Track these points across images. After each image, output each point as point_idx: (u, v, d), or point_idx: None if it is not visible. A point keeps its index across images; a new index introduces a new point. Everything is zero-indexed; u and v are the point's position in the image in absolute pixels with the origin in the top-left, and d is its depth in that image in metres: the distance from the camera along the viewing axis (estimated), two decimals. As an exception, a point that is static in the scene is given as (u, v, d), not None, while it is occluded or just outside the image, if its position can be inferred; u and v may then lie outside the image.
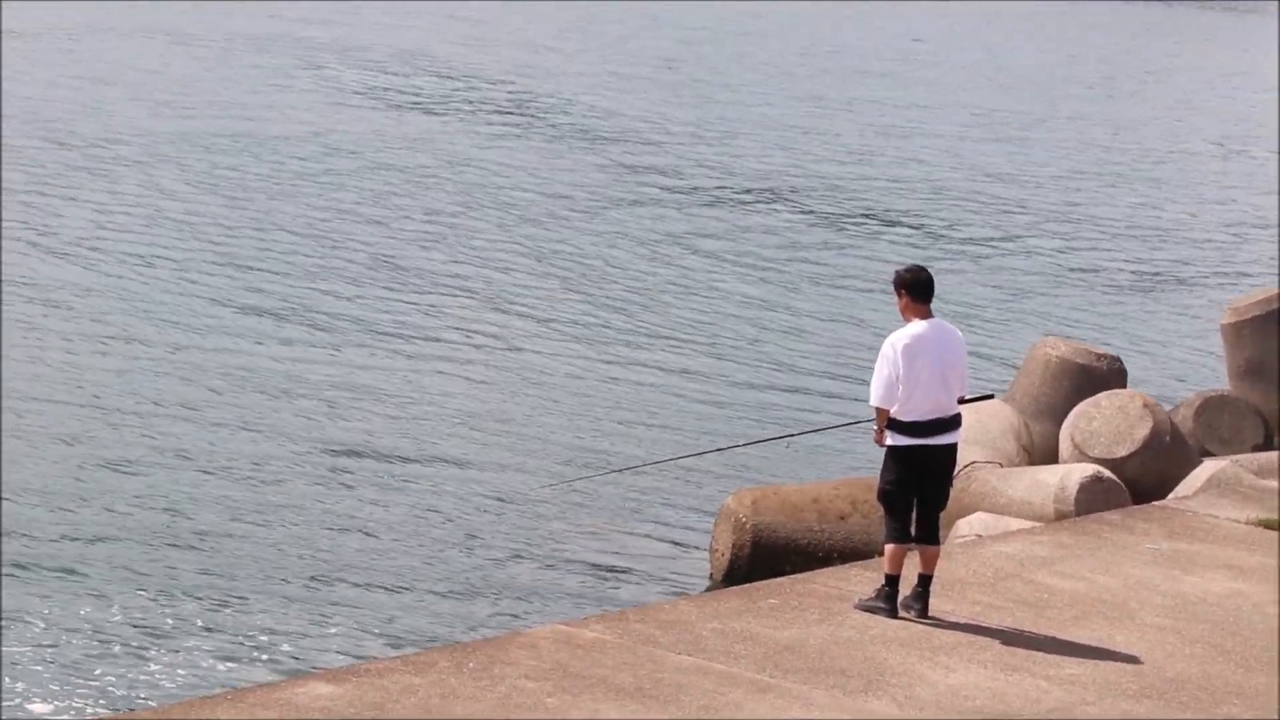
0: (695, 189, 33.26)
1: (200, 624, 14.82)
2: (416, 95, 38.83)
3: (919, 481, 12.24)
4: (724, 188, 33.49)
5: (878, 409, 12.21)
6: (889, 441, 12.25)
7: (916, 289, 12.21)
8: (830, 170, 35.70)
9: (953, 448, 12.33)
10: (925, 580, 12.41)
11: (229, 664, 14.17)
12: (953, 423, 12.25)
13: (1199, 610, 13.17)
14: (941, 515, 12.50)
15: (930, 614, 12.37)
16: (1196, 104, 45.38)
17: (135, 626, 14.66)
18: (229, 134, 33.73)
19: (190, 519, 16.92)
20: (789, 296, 27.08)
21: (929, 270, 12.37)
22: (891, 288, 12.43)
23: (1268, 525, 15.17)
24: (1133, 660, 12.09)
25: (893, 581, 12.33)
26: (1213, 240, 33.95)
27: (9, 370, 20.38)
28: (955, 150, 39.19)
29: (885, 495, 12.34)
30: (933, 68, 43.47)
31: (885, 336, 12.32)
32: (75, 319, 22.69)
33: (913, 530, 12.33)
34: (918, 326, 12.17)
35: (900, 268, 12.44)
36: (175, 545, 16.32)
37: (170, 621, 14.80)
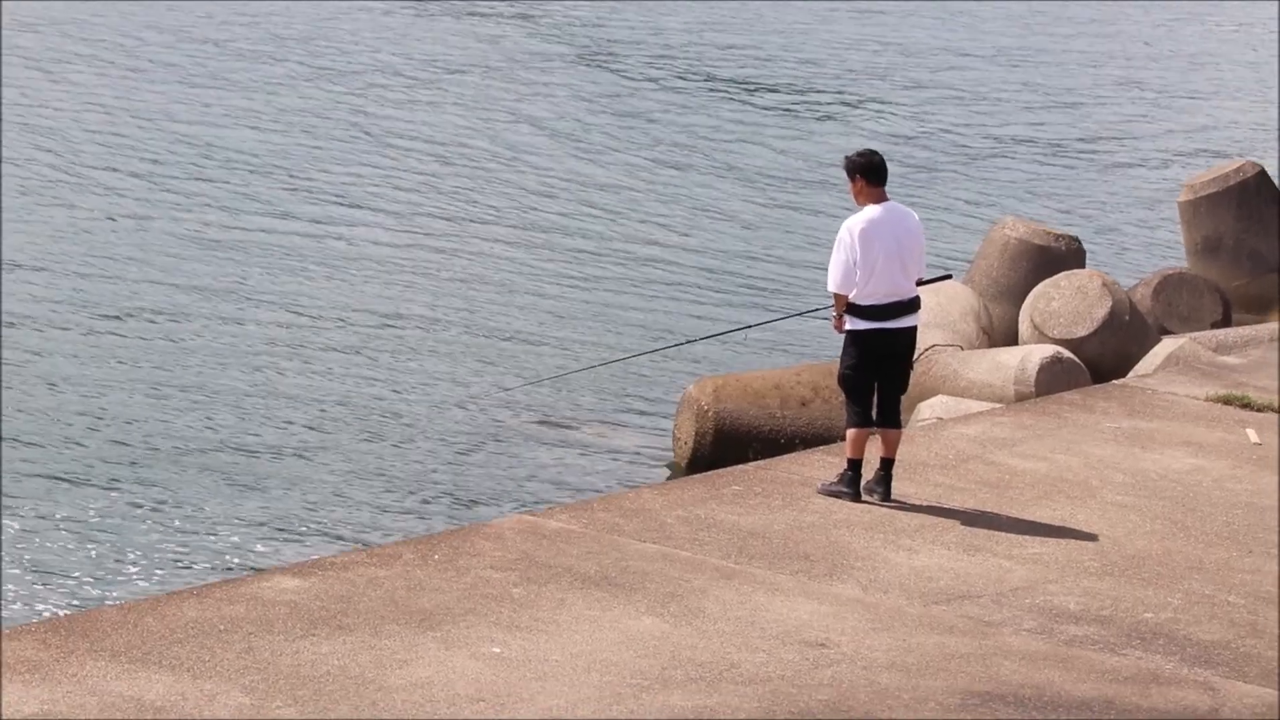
0: (635, 80, 33.11)
1: (163, 522, 14.83)
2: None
3: (879, 365, 12.27)
4: (665, 77, 33.37)
5: (836, 295, 12.22)
6: (848, 326, 12.27)
7: (870, 172, 12.19)
8: (770, 56, 35.57)
9: (912, 330, 12.36)
10: (887, 464, 12.46)
11: (194, 561, 14.20)
12: (911, 305, 12.27)
13: (1159, 487, 13.27)
14: (903, 399, 12.54)
15: (893, 497, 12.43)
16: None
17: (98, 526, 14.67)
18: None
19: (151, 419, 16.89)
20: (738, 188, 27.02)
21: (881, 154, 12.34)
22: (844, 173, 12.41)
23: (1226, 401, 15.26)
24: (1094, 538, 12.18)
25: (855, 466, 12.38)
26: (1170, 117, 33.96)
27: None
28: (907, 32, 39.06)
29: (846, 380, 12.37)
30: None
31: (839, 223, 12.32)
32: (33, 239, 22.54)
33: (874, 414, 12.37)
34: (873, 210, 12.17)
35: (852, 152, 12.41)
36: (135, 445, 16.29)
37: (134, 519, 14.81)
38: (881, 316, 12.18)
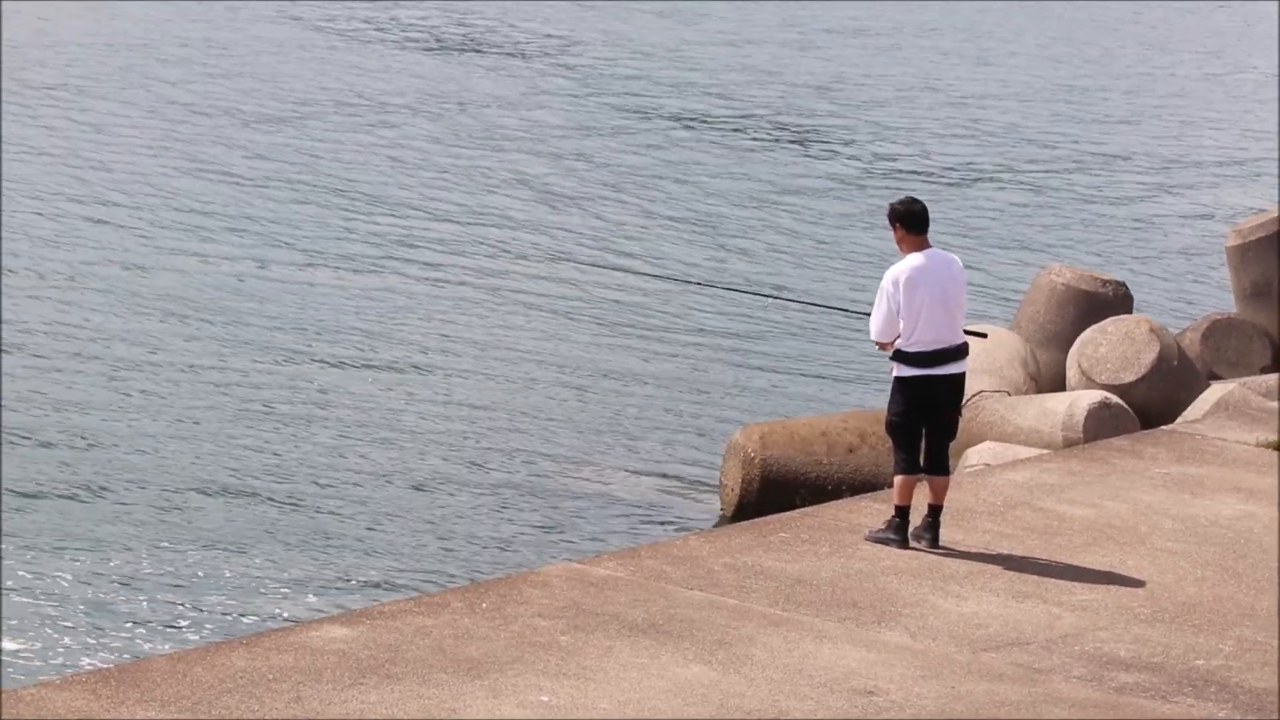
0: (687, 119, 33.20)
1: (212, 571, 14.87)
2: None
3: (926, 412, 12.25)
4: (714, 118, 33.45)
5: (879, 344, 12.25)
6: (895, 373, 12.26)
7: (911, 221, 12.20)
8: (817, 106, 35.64)
9: (960, 377, 12.34)
10: (935, 510, 12.42)
11: (242, 610, 14.22)
12: (958, 352, 12.26)
13: (1209, 533, 13.19)
14: (950, 445, 12.52)
15: (941, 544, 12.39)
16: (1188, 26, 45.28)
17: (148, 576, 14.71)
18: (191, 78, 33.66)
19: (198, 470, 16.95)
20: (768, 222, 27.01)
21: (922, 202, 12.35)
22: (887, 222, 12.42)
23: (1276, 447, 15.17)
24: (1143, 584, 12.12)
25: (903, 513, 12.35)
26: (1216, 163, 33.87)
27: None
28: (949, 83, 39.09)
29: (893, 426, 12.35)
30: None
31: (882, 265, 12.33)
32: (57, 261, 22.67)
33: (922, 461, 12.35)
34: (915, 258, 12.18)
35: (894, 200, 12.43)
36: (183, 496, 16.35)
37: (182, 569, 14.85)
38: (929, 363, 12.17)
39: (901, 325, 12.10)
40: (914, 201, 12.32)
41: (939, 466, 12.37)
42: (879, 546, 12.33)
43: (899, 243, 12.29)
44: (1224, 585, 12.25)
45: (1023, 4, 44.95)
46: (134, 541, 15.27)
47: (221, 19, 38.00)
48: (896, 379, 12.28)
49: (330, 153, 29.18)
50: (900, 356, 12.20)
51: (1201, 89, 40.81)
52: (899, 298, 12.07)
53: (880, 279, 12.27)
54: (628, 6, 41.48)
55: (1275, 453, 15.06)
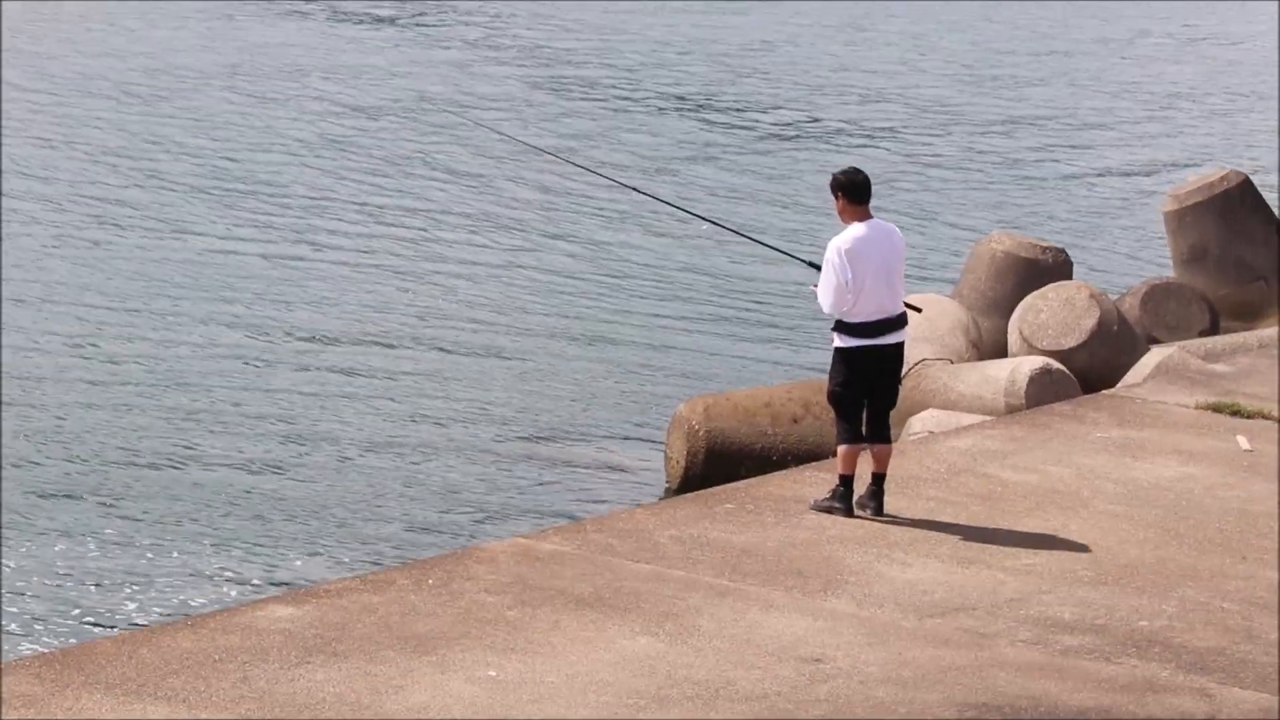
0: (596, 99, 33.17)
1: (156, 554, 14.81)
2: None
3: (869, 382, 12.30)
4: (648, 98, 33.44)
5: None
6: (837, 344, 12.30)
7: (853, 191, 12.23)
8: (753, 78, 35.64)
9: (901, 346, 12.39)
10: (879, 479, 12.47)
11: (188, 591, 14.18)
12: (899, 321, 12.31)
13: (1150, 496, 13.28)
14: (892, 413, 12.57)
15: (885, 512, 12.44)
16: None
17: (92, 558, 14.65)
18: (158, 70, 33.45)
19: (140, 449, 16.87)
20: (722, 204, 27.04)
21: (865, 172, 12.38)
22: (829, 191, 12.43)
23: (1216, 409, 15.28)
24: (1087, 548, 12.20)
25: (847, 481, 12.40)
26: (1153, 129, 34.04)
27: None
28: (880, 50, 39.16)
29: (835, 397, 12.39)
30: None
31: (820, 239, 12.36)
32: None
33: (864, 430, 12.39)
34: (858, 229, 12.21)
35: (837, 171, 12.45)
36: (126, 476, 16.27)
37: (126, 552, 14.78)
38: (871, 334, 12.21)
39: (848, 295, 12.13)
40: (856, 172, 12.34)
41: (881, 435, 12.41)
42: (824, 515, 12.37)
43: (840, 213, 12.32)
44: (1166, 547, 12.34)
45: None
46: (77, 524, 15.19)
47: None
48: (839, 350, 12.31)
49: (220, 130, 29.03)
50: (843, 327, 12.24)
51: (1137, 54, 41.00)
52: (845, 269, 12.09)
53: (815, 244, 12.29)
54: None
55: (1214, 414, 15.17)
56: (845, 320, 12.20)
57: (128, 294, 21.35)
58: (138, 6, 36.94)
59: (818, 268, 12.32)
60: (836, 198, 12.30)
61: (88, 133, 28.34)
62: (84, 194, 25.27)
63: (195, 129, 29.05)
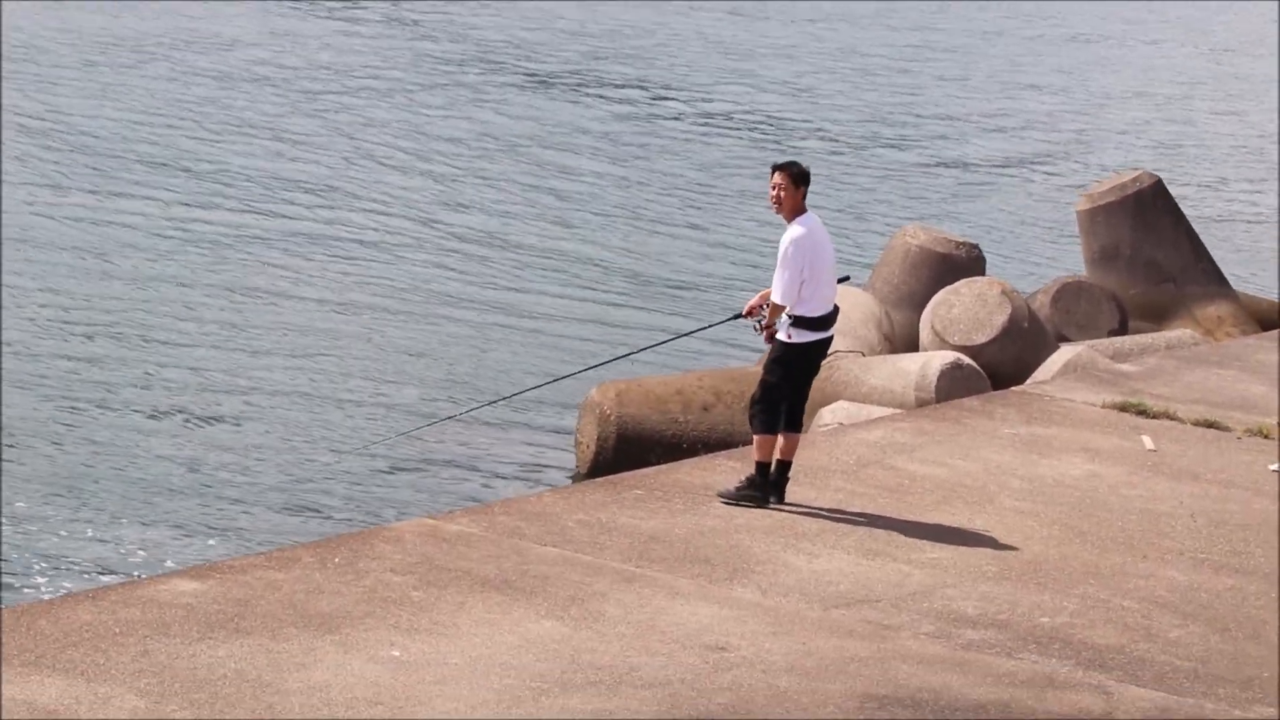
0: (510, 84, 33.11)
1: (57, 525, 14.68)
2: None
3: (807, 374, 12.35)
4: (576, 86, 33.39)
5: (775, 306, 12.17)
6: (792, 338, 12.19)
7: (806, 183, 12.19)
8: (671, 70, 35.66)
9: (832, 339, 12.49)
10: (785, 466, 12.50)
11: (89, 564, 14.06)
12: (837, 313, 12.39)
13: (1055, 493, 13.38)
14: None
15: (788, 500, 12.47)
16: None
17: (-6, 529, 14.51)
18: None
19: (43, 418, 16.73)
20: (635, 197, 27.05)
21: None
22: (786, 180, 12.12)
23: (1123, 408, 15.41)
24: (992, 543, 12.27)
25: (763, 470, 12.41)
26: (1069, 129, 34.26)
27: None
28: (802, 51, 39.26)
29: (772, 388, 12.28)
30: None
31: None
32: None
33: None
34: (809, 220, 12.21)
35: (789, 161, 12.32)
36: (27, 444, 16.12)
37: (27, 523, 14.65)
38: (823, 326, 12.27)
39: (803, 289, 12.10)
40: (796, 163, 12.31)
41: (795, 424, 12.43)
42: (732, 505, 12.39)
43: (787, 204, 12.17)
44: (1069, 544, 12.43)
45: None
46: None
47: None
48: (790, 345, 12.19)
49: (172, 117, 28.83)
50: (801, 322, 12.17)
51: (1054, 53, 41.25)
52: (806, 263, 12.06)
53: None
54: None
55: (1121, 414, 15.30)
56: (800, 314, 12.15)
57: (30, 270, 21.16)
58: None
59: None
60: (795, 189, 12.17)
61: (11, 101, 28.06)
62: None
63: (118, 106, 28.81)
